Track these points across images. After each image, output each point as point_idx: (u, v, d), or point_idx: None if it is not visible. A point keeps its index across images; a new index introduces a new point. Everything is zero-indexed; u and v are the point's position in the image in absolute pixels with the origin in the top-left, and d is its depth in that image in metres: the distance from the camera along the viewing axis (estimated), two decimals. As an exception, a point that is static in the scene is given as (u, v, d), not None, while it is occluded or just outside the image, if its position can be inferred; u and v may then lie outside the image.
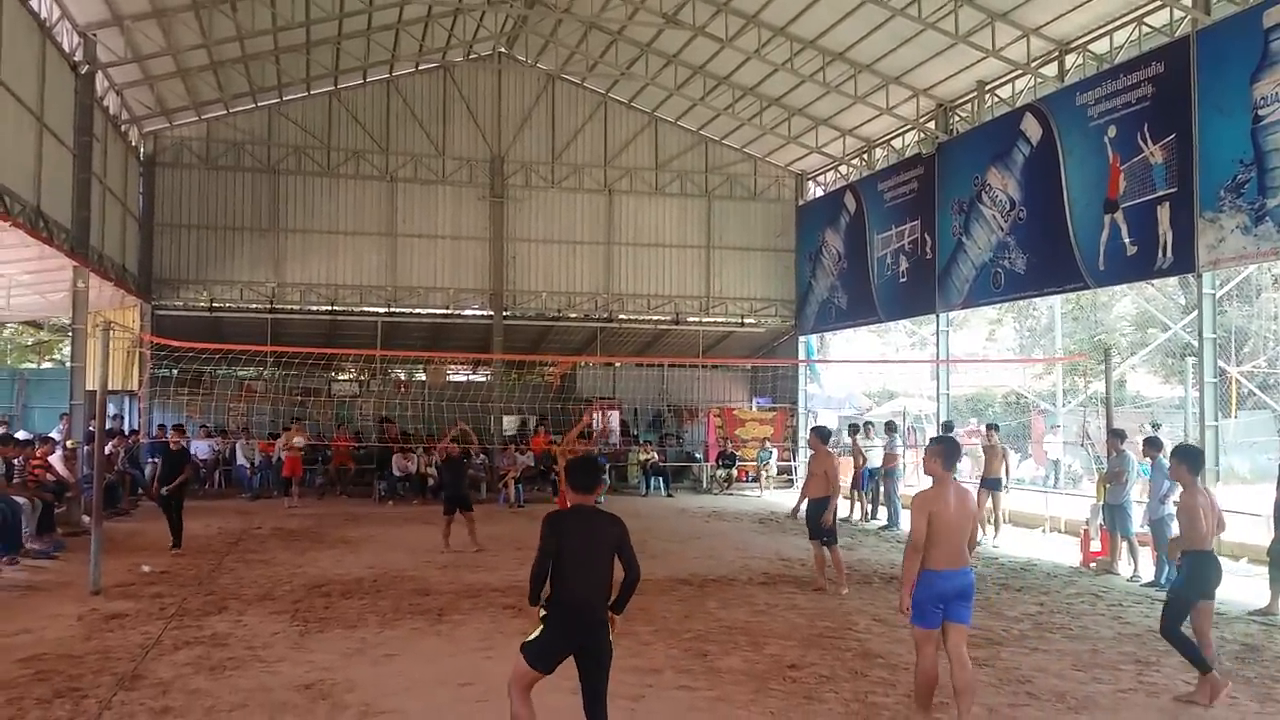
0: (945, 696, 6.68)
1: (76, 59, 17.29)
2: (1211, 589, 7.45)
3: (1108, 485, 13.28)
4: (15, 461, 13.17)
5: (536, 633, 5.37)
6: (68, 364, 19.38)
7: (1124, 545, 13.09)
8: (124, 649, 8.17)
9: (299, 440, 20.37)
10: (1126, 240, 16.12)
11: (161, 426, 22.29)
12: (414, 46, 24.09)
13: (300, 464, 20.18)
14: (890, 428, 18.95)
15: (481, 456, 22.35)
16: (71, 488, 15.29)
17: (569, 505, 5.59)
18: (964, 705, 6.31)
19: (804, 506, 11.81)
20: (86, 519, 14.13)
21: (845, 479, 19.71)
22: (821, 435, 12.06)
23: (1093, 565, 13.36)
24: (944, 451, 6.51)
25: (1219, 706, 7.06)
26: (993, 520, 15.67)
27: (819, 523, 11.48)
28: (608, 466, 22.73)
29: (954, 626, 6.34)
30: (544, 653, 5.32)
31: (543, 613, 5.34)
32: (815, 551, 11.74)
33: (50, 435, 16.66)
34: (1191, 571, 7.40)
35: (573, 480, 5.60)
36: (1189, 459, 7.57)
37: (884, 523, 17.96)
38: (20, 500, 12.54)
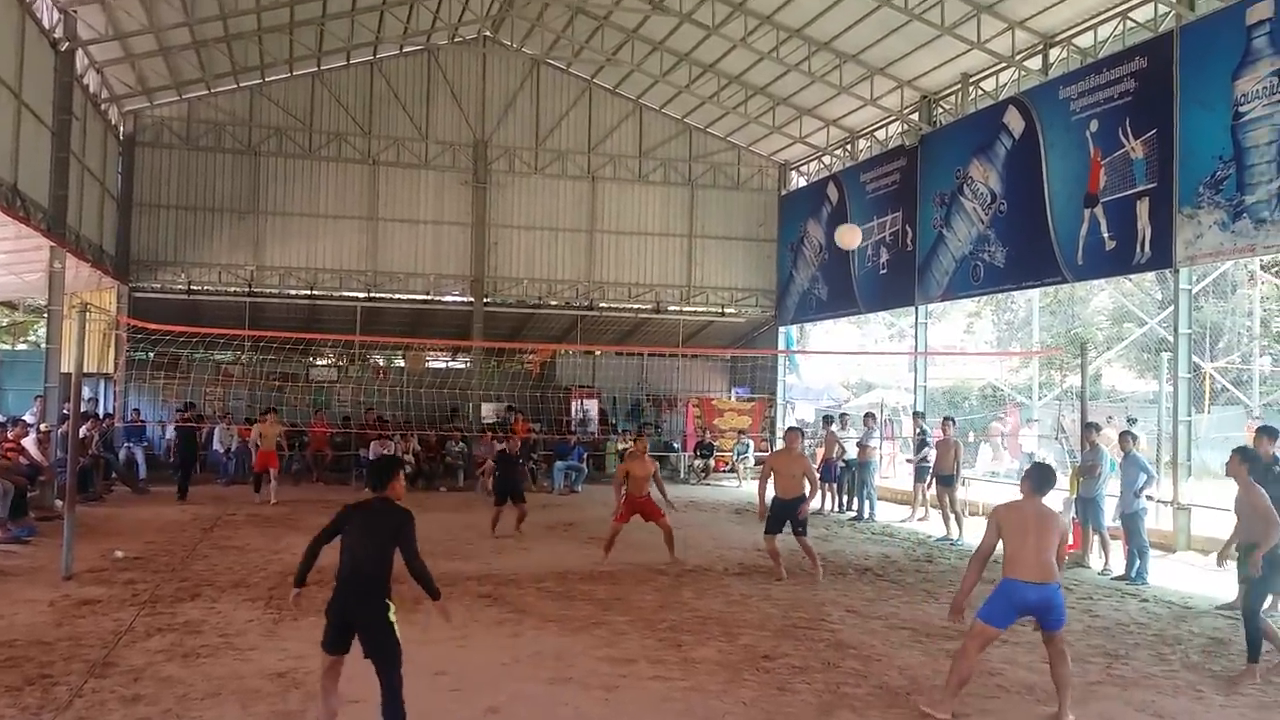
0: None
1: (56, 36, 17.10)
2: None
3: (1081, 478, 13.38)
4: (-12, 444, 13.07)
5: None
6: (43, 346, 19.21)
7: (1096, 539, 13.20)
8: (96, 635, 8.13)
9: (273, 431, 18.61)
10: (1105, 235, 16.20)
11: (136, 410, 22.17)
12: (398, 28, 23.92)
13: (275, 456, 18.42)
14: (868, 419, 19.03)
15: (461, 444, 22.31)
16: (45, 471, 15.17)
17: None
18: (1064, 697, 6.65)
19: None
20: (60, 503, 14.03)
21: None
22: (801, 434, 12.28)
23: (1064, 558, 13.43)
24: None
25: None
26: (953, 515, 15.56)
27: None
28: (586, 456, 22.72)
29: (1050, 635, 6.67)
30: (326, 632, 5.80)
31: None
32: (769, 546, 11.79)
33: (23, 418, 16.52)
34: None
35: (369, 479, 6.23)
36: (1251, 460, 7.95)
37: (855, 514, 18.06)
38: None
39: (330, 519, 5.98)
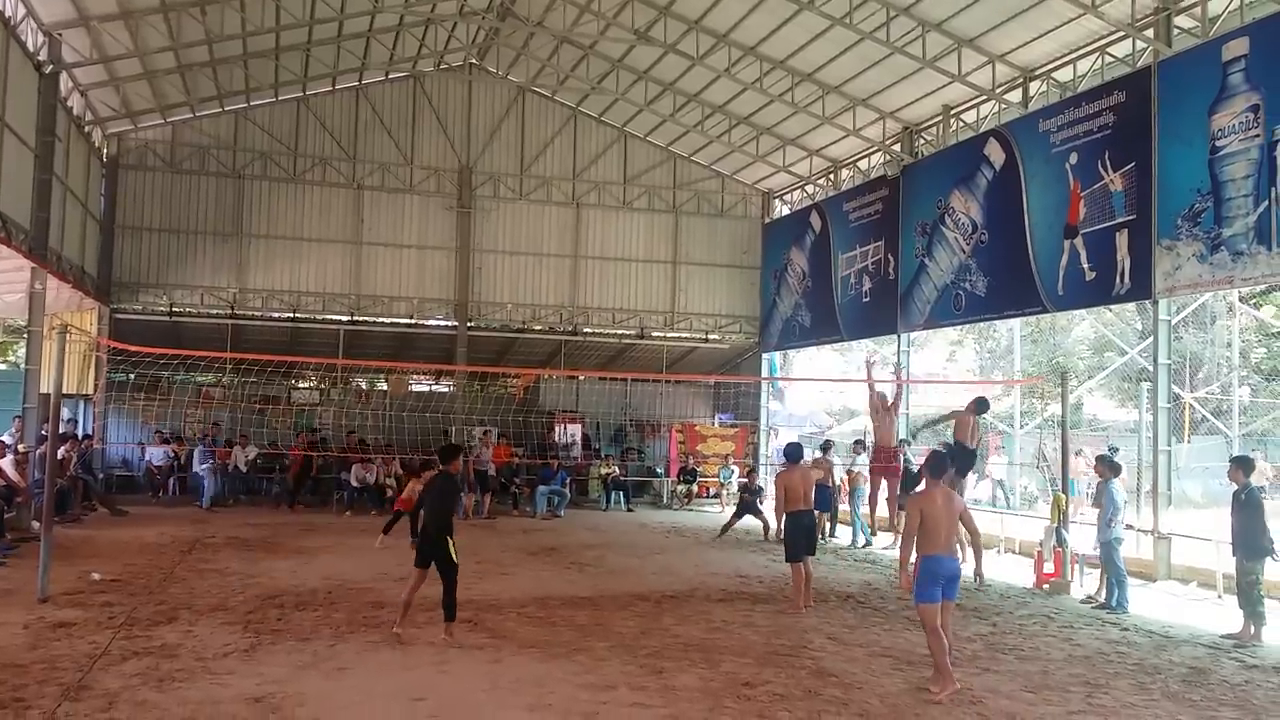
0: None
1: (41, 58, 17.08)
2: None
3: (1061, 511, 13.39)
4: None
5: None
6: (22, 366, 19.09)
7: (1094, 572, 13.12)
8: (71, 658, 8.04)
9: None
10: (1085, 266, 16.34)
11: (216, 424, 22.51)
12: (384, 55, 23.99)
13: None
14: (858, 446, 19.07)
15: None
16: (22, 493, 15.04)
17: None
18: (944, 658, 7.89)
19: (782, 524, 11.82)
20: (36, 524, 13.90)
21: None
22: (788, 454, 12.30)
23: (1045, 587, 13.48)
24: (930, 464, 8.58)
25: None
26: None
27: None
28: (569, 480, 22.71)
29: (947, 604, 8.19)
30: (416, 557, 9.46)
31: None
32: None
33: (2, 438, 16.38)
34: None
35: (440, 456, 9.90)
36: None
37: (844, 542, 18.06)
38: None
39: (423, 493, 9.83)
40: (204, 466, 20.64)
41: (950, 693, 7.69)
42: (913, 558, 8.11)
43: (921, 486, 8.60)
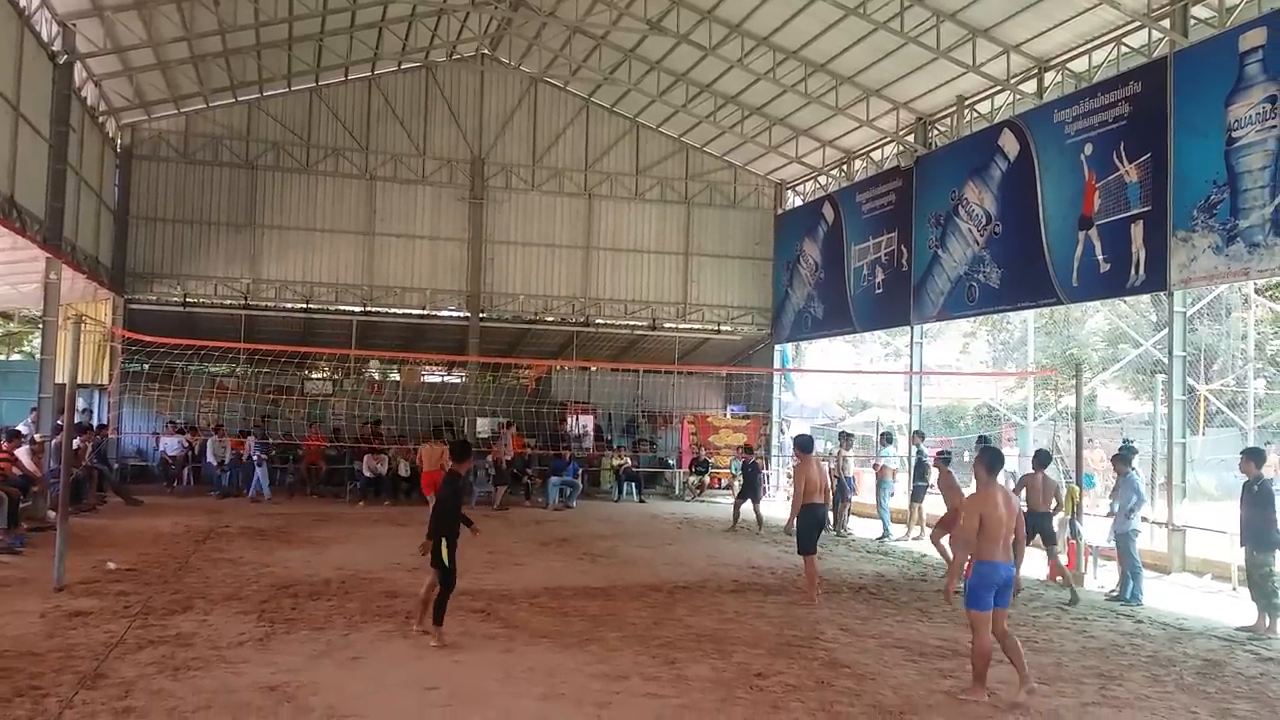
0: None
1: (55, 48, 17.14)
2: None
3: (1071, 503, 13.33)
4: (-19, 454, 13.00)
5: None
6: (37, 356, 19.19)
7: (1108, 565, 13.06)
8: (87, 647, 8.08)
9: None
10: (1100, 257, 16.26)
11: (265, 417, 22.66)
12: (397, 45, 24.01)
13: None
14: (886, 439, 19.03)
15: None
16: (38, 482, 15.12)
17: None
18: (1020, 662, 7.54)
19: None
20: (52, 514, 13.97)
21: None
22: (802, 445, 12.22)
23: (1059, 579, 13.42)
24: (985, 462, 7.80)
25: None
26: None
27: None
28: (581, 471, 22.73)
29: (1000, 612, 7.56)
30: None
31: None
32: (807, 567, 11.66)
33: (18, 429, 16.46)
34: None
35: (454, 453, 9.62)
36: None
37: (860, 534, 18.03)
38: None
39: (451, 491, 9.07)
40: (257, 457, 20.88)
41: (976, 700, 7.42)
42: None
43: (978, 486, 7.89)
